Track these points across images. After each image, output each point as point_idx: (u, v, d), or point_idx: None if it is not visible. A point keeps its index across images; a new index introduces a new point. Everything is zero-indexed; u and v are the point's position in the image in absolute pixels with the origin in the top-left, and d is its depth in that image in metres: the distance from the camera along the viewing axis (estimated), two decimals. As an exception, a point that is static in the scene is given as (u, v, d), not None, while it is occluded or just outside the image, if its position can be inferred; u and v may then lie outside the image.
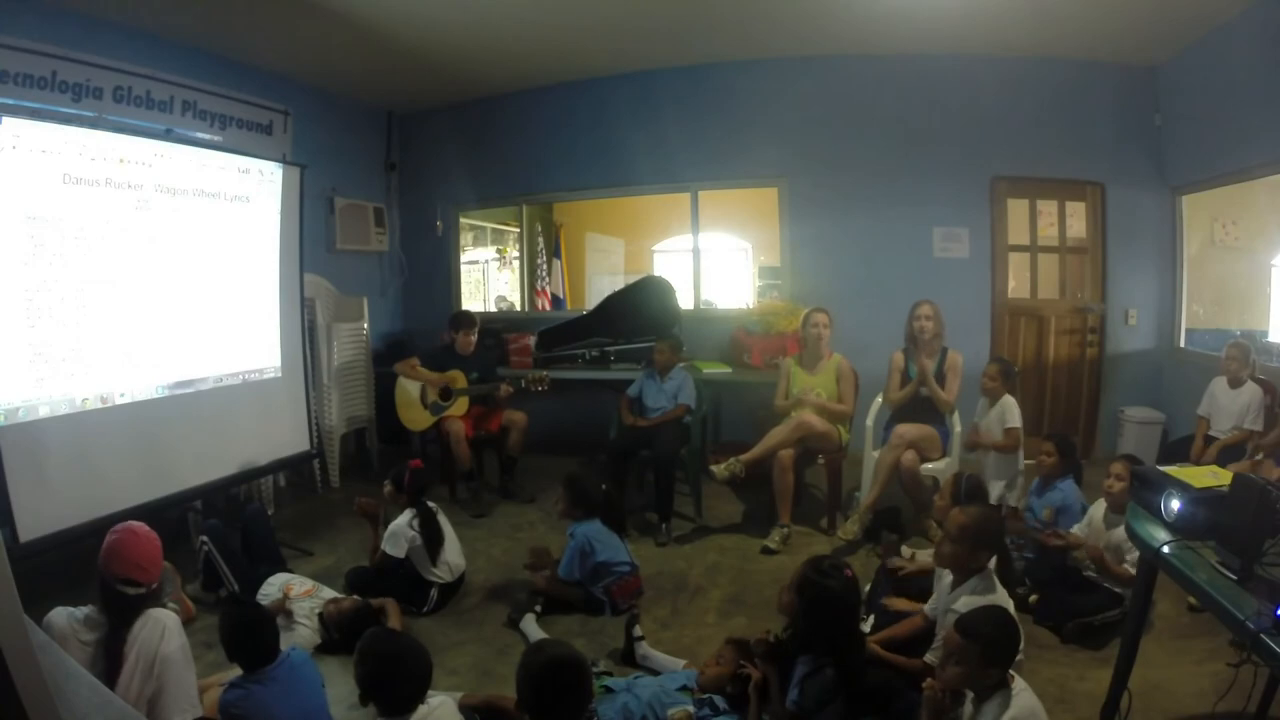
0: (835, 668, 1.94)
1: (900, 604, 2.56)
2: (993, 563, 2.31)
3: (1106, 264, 4.89)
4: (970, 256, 4.93)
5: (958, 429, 3.61)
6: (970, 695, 1.74)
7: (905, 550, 3.17)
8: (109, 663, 1.86)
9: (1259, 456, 3.32)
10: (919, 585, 2.61)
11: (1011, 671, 1.71)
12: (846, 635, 2.03)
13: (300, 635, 2.62)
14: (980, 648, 1.65)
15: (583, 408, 4.96)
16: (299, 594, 2.81)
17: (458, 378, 4.30)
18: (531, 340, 5.16)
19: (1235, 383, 3.76)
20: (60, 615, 1.95)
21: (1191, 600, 2.65)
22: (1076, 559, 2.82)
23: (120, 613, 1.91)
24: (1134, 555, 2.44)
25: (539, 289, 7.35)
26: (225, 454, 3.58)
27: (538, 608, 2.85)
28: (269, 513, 3.86)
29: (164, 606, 2.08)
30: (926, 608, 2.36)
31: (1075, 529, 2.88)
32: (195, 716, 1.94)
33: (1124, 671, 1.98)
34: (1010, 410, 3.48)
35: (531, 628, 2.73)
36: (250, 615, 2.07)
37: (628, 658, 2.54)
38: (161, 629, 1.94)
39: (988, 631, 1.68)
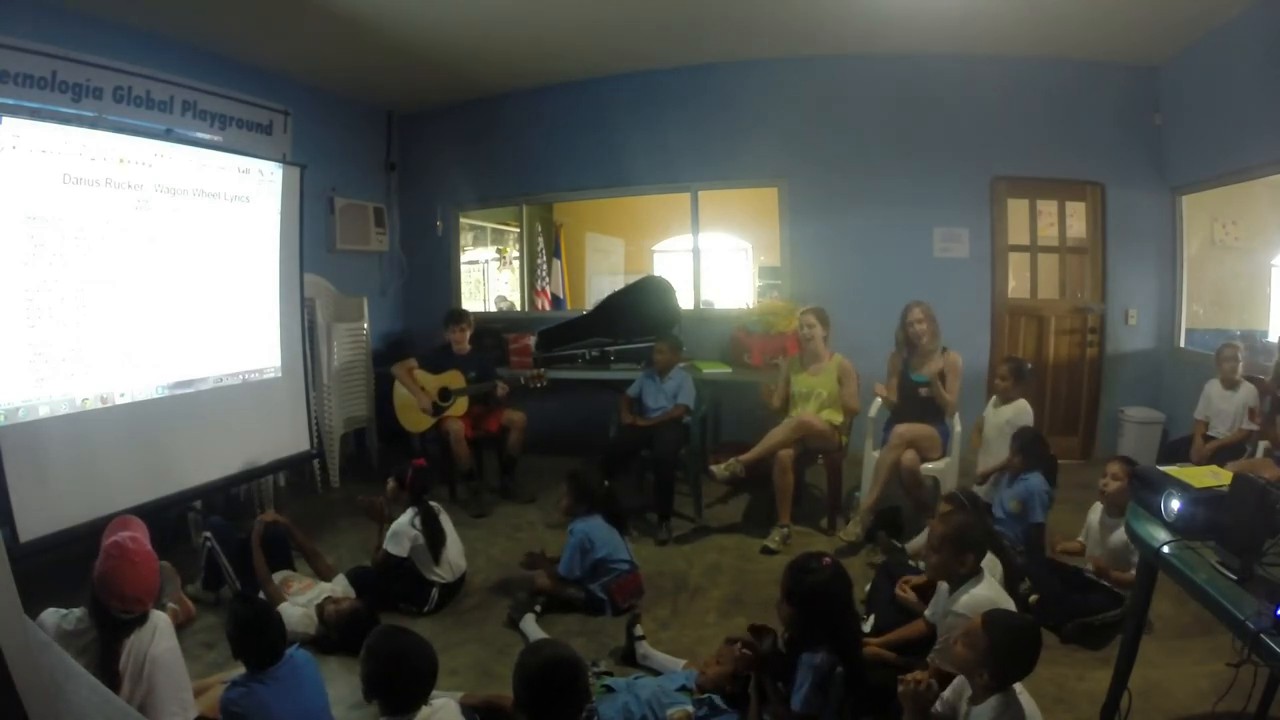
0: (842, 664, 1.94)
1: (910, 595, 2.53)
2: (998, 572, 2.31)
3: (1106, 264, 4.89)
4: (970, 256, 4.93)
5: (958, 429, 3.60)
6: (966, 695, 1.73)
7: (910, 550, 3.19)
8: (101, 667, 1.84)
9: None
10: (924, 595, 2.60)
11: None
12: (846, 624, 2.02)
13: (294, 616, 2.62)
14: (990, 644, 1.64)
15: (583, 408, 4.96)
16: (298, 589, 2.83)
17: (455, 378, 4.30)
18: (531, 340, 5.15)
19: (1229, 384, 3.77)
20: (50, 618, 1.94)
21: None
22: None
23: (113, 630, 1.90)
24: (1134, 556, 2.44)
25: (539, 289, 7.36)
26: (225, 454, 3.58)
27: (537, 607, 2.85)
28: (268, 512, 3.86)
29: (163, 606, 2.07)
30: (927, 613, 2.36)
31: (1080, 538, 2.88)
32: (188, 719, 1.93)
33: (1124, 671, 1.98)
34: (1023, 415, 3.44)
35: (531, 627, 2.74)
36: (258, 614, 2.06)
37: (628, 657, 2.54)
38: (152, 630, 1.93)
39: (1005, 636, 1.65)
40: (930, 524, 2.48)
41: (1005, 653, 1.65)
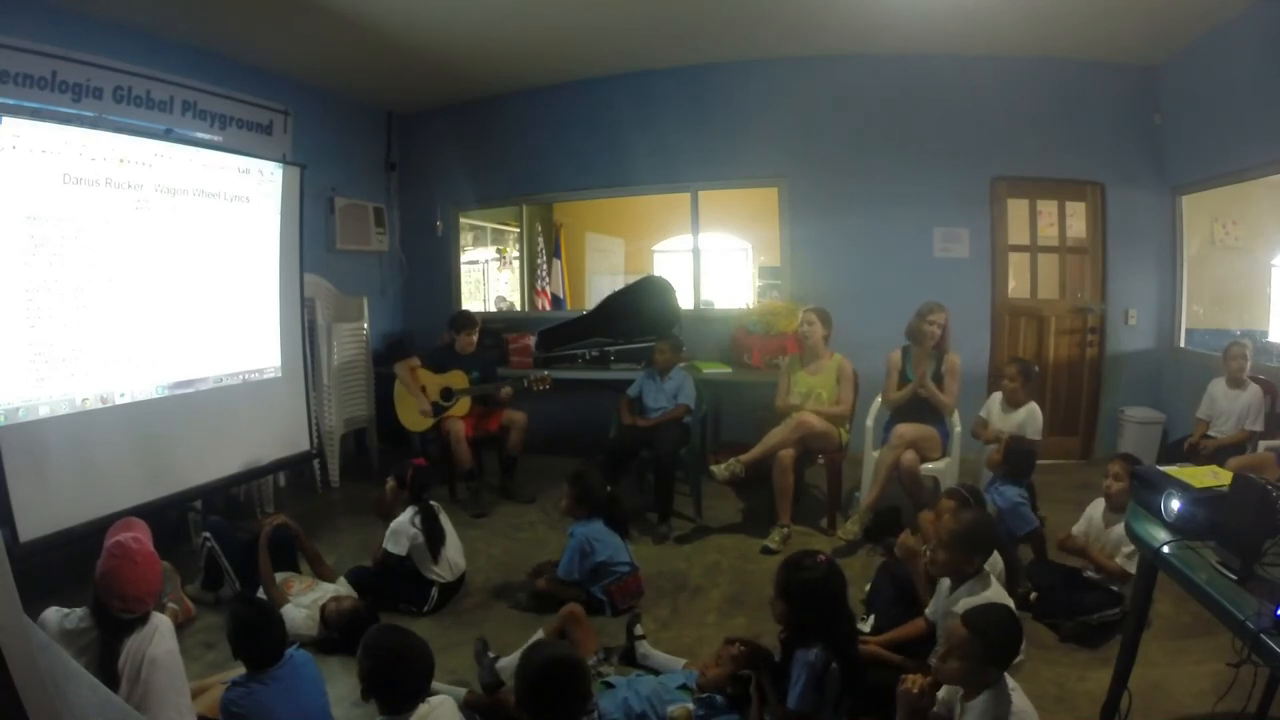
0: (838, 661, 1.93)
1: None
2: (999, 570, 2.31)
3: (1106, 264, 4.89)
4: (970, 256, 4.92)
5: (957, 429, 3.60)
6: (960, 693, 1.74)
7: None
8: (100, 667, 1.84)
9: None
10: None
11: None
12: (840, 621, 2.02)
13: (297, 618, 2.62)
14: (984, 644, 1.65)
15: (583, 408, 4.96)
16: (299, 589, 2.83)
17: (459, 378, 4.29)
18: (531, 340, 5.15)
19: (1236, 383, 3.76)
20: (53, 616, 1.93)
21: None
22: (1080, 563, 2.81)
23: (113, 630, 1.90)
24: (1129, 549, 2.45)
25: (539, 289, 7.36)
26: (225, 454, 3.58)
27: (492, 654, 2.46)
28: (269, 511, 3.87)
29: (162, 606, 2.06)
30: (927, 612, 2.36)
31: (1075, 530, 2.88)
32: None
33: (1124, 671, 1.98)
34: (1034, 420, 3.42)
35: (508, 661, 2.39)
36: (258, 615, 2.06)
37: (628, 657, 2.54)
38: (153, 632, 1.92)
39: (992, 628, 1.68)
40: (923, 517, 2.46)
41: (994, 642, 1.66)
